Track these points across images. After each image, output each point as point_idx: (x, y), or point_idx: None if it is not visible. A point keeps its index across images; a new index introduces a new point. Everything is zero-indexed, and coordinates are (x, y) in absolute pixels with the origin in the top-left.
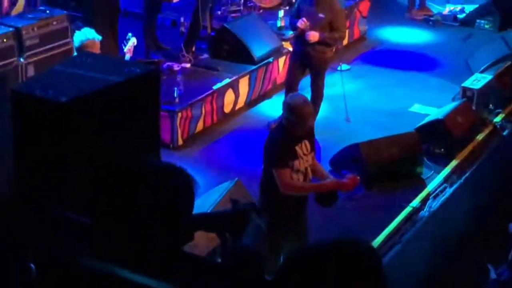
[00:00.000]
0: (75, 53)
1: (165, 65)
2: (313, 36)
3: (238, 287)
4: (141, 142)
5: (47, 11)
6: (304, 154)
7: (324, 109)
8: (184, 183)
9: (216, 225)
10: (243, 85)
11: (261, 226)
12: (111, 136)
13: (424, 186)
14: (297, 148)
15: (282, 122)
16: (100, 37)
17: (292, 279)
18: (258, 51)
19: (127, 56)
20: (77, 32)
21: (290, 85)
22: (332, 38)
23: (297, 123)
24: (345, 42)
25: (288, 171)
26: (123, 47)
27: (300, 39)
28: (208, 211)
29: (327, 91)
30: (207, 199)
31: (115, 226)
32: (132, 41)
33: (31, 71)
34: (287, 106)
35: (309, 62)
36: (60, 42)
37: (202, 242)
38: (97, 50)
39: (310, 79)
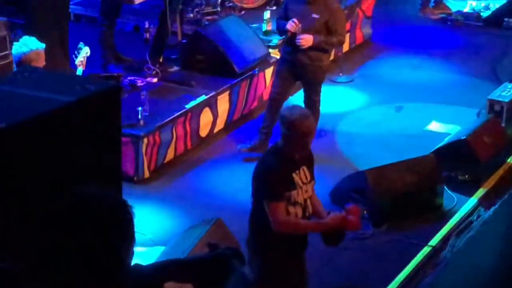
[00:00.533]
0: (15, 69)
1: (126, 80)
2: (306, 40)
3: None
4: (97, 176)
5: None
6: (304, 183)
7: (323, 129)
8: (114, 211)
9: (191, 275)
10: (223, 103)
11: (246, 276)
12: (59, 169)
13: (445, 220)
14: (294, 175)
15: (277, 144)
16: (43, 46)
17: None
18: (240, 62)
19: (80, 70)
20: (15, 43)
21: (277, 101)
22: (329, 42)
23: (295, 141)
24: (345, 47)
25: (283, 205)
26: (74, 58)
27: (290, 45)
28: (184, 255)
29: (324, 107)
30: (182, 242)
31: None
32: (85, 51)
33: None
34: (283, 120)
35: (301, 72)
36: None
37: None
38: (42, 63)
39: (304, 93)
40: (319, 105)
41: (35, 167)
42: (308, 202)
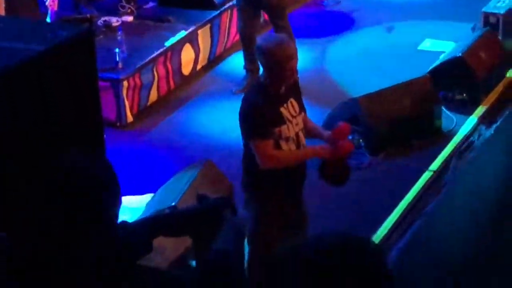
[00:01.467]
0: None
1: (100, 21)
2: None
3: None
4: (75, 127)
5: None
6: (293, 116)
7: (311, 57)
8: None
9: (182, 229)
10: (204, 37)
11: (238, 226)
12: (32, 123)
13: (445, 143)
14: (282, 110)
15: (259, 79)
16: None
17: (283, 284)
18: None
19: (50, 12)
20: None
21: (247, 37)
22: None
23: (277, 71)
24: None
25: (269, 143)
26: (45, 0)
27: None
28: (175, 202)
29: (312, 33)
30: (172, 187)
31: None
32: None
33: None
34: (259, 51)
35: (264, 5)
36: None
37: (169, 244)
38: (1, 10)
39: (271, 20)
40: (291, 30)
41: (8, 124)
42: (301, 135)
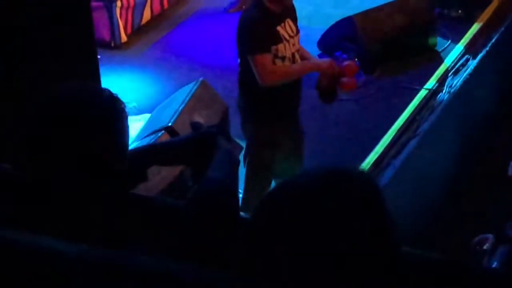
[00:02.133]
0: None
1: None
2: None
3: (206, 233)
4: (68, 49)
5: None
6: (290, 36)
7: None
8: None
9: (176, 157)
10: None
11: (232, 153)
12: (21, 48)
13: (440, 61)
14: (279, 29)
15: None
16: None
17: (271, 220)
18: None
19: None
20: None
21: None
22: None
23: None
24: None
25: (269, 57)
26: None
27: None
28: (171, 123)
29: None
30: (166, 108)
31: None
32: None
33: None
34: None
35: None
36: None
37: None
38: None
39: None
40: None
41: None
42: (296, 56)
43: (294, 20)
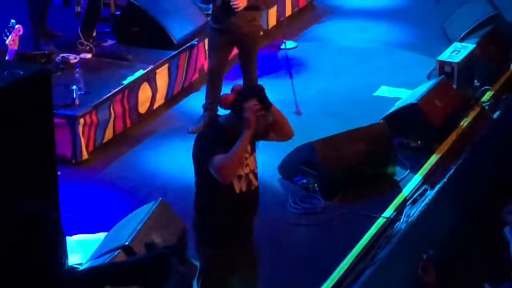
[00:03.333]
0: None
1: (58, 58)
2: (241, 0)
3: None
4: (27, 165)
5: None
6: (245, 158)
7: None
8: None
9: (130, 278)
10: (162, 76)
11: (185, 277)
12: None
13: (398, 190)
14: None
15: (217, 120)
16: None
17: None
18: (177, 32)
19: (10, 50)
20: None
21: (216, 74)
22: None
23: (239, 123)
24: (288, 12)
25: (221, 157)
26: (5, 38)
27: (221, 12)
28: (128, 242)
29: (269, 75)
30: (125, 227)
31: None
32: (16, 28)
33: None
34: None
35: (239, 37)
36: None
37: None
38: None
39: (242, 61)
40: (256, 73)
41: None
42: (251, 176)
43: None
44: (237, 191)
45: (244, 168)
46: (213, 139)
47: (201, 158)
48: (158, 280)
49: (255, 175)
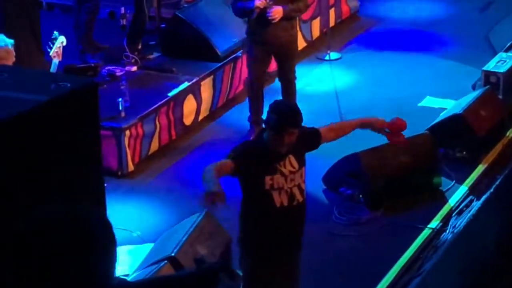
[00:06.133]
0: None
1: (104, 70)
2: (277, 11)
3: None
4: (74, 177)
5: None
6: (291, 172)
7: (309, 111)
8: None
9: None
10: (206, 88)
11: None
12: (35, 175)
13: (444, 201)
14: (277, 165)
15: (262, 134)
16: (12, 42)
17: None
18: (222, 44)
19: (55, 62)
20: None
21: (257, 88)
22: (297, 9)
23: (279, 139)
24: (331, 23)
25: (228, 163)
26: (49, 50)
27: (258, 24)
28: (174, 253)
29: (313, 86)
30: (171, 238)
31: None
32: (60, 40)
33: None
34: (275, 111)
35: (276, 48)
36: None
37: None
38: (11, 60)
39: (280, 73)
40: (295, 84)
41: (9, 173)
42: (296, 190)
43: (299, 153)
44: (277, 204)
45: (288, 182)
46: (253, 153)
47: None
48: None
49: (301, 190)
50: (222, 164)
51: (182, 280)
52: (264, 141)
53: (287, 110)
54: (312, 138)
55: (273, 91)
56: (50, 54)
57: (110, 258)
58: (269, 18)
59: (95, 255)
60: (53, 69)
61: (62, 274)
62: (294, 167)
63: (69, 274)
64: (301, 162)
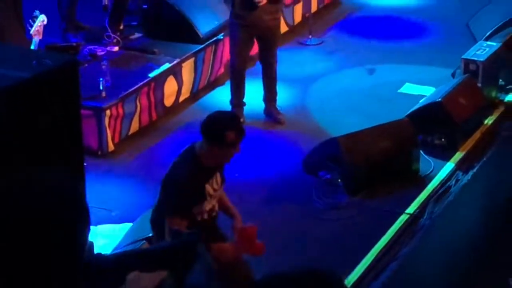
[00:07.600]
0: None
1: (86, 50)
2: None
3: None
4: (56, 154)
5: None
6: (215, 190)
7: (293, 95)
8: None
9: (156, 264)
10: (187, 70)
11: (210, 261)
12: (15, 151)
13: (422, 187)
14: (207, 186)
15: (194, 148)
16: None
17: None
18: (204, 26)
19: (35, 40)
20: None
21: (240, 70)
22: None
23: (220, 153)
24: (313, 8)
25: (184, 223)
26: (29, 28)
27: (244, 6)
28: (151, 234)
29: (294, 71)
30: (148, 218)
31: None
32: (41, 19)
33: None
34: (208, 127)
35: (262, 31)
36: None
37: (145, 275)
38: None
39: (263, 54)
40: (276, 66)
41: None
42: (215, 206)
43: (222, 169)
44: (198, 218)
45: (212, 201)
46: (186, 182)
47: (165, 200)
48: (184, 265)
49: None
50: (181, 228)
51: (160, 253)
52: (195, 160)
53: (235, 119)
54: None
55: (254, 74)
56: (31, 32)
57: (84, 227)
58: (256, 1)
59: (71, 219)
60: (33, 47)
61: (38, 238)
62: (218, 184)
63: (45, 240)
64: (223, 178)
